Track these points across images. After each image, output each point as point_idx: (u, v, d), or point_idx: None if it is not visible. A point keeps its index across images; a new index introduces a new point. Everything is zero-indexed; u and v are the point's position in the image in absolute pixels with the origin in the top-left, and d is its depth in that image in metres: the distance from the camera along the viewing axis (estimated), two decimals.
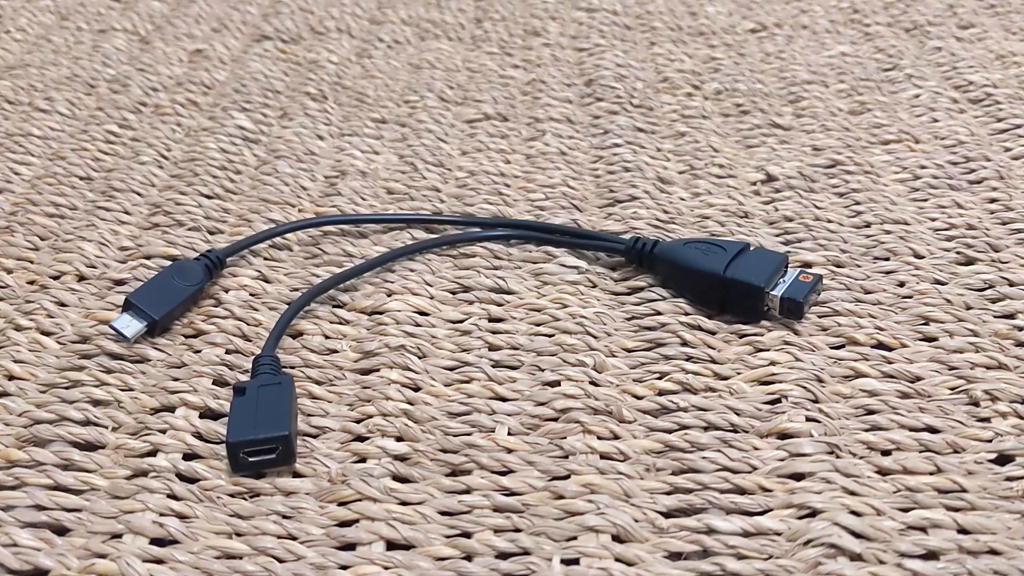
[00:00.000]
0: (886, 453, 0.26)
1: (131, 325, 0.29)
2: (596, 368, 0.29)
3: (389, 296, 0.31)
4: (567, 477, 0.25)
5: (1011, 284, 0.31)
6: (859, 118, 0.42)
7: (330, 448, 0.26)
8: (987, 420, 0.27)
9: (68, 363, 0.29)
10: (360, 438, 0.27)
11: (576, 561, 0.23)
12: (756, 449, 0.26)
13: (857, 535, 0.23)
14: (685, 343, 0.29)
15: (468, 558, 0.23)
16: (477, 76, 0.46)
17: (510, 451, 0.26)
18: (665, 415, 0.27)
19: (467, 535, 0.24)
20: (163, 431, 0.26)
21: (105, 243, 0.34)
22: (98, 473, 0.25)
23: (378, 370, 0.29)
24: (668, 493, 0.25)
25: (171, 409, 0.27)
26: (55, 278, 0.33)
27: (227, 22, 0.51)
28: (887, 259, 0.33)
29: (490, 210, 0.36)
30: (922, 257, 0.33)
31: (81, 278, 0.33)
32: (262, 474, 0.25)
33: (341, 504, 0.25)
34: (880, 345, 0.29)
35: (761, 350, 0.29)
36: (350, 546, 0.24)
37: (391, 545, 0.24)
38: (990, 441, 0.26)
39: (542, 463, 0.26)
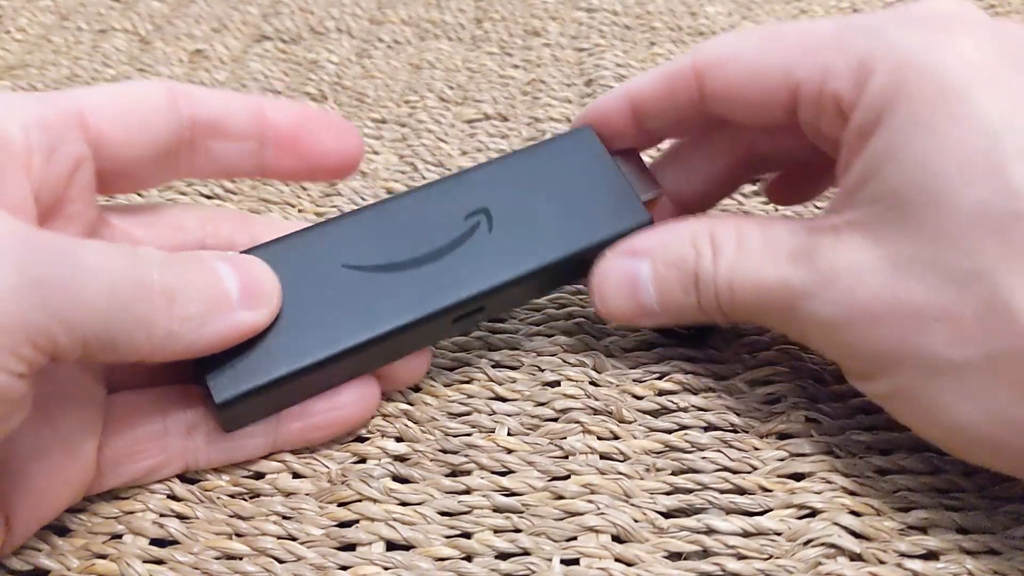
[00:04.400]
0: (885, 453, 0.26)
1: None
2: (596, 368, 0.29)
3: None
4: (567, 477, 0.25)
5: None
6: None
7: (330, 448, 0.26)
8: None
9: None
10: (360, 438, 0.27)
11: (576, 561, 0.23)
12: (756, 449, 0.26)
13: (857, 535, 0.23)
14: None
15: (468, 558, 0.23)
16: (477, 76, 0.46)
17: (510, 451, 0.26)
18: (665, 415, 0.27)
19: (467, 535, 0.24)
20: None
21: None
22: None
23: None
24: (668, 493, 0.25)
25: None
26: None
27: (227, 22, 0.51)
28: None
29: None
30: None
31: None
32: (261, 475, 0.25)
33: (341, 505, 0.25)
34: None
35: (760, 350, 0.29)
36: (350, 546, 0.24)
37: (391, 545, 0.24)
38: None
39: (542, 463, 0.26)
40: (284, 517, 0.24)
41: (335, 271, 0.24)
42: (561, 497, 0.25)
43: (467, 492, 0.25)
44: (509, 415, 0.27)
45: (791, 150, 0.27)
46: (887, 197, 0.20)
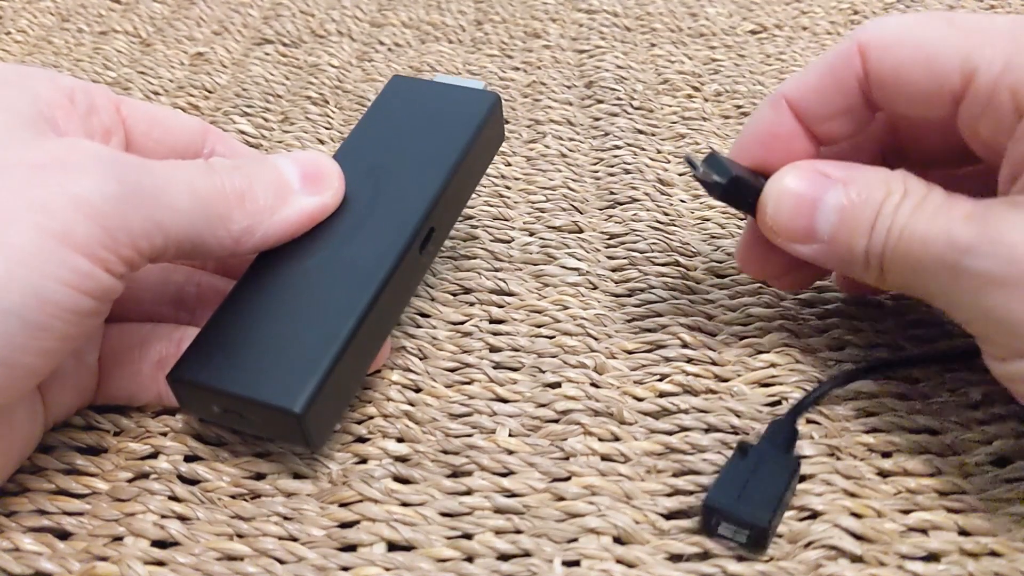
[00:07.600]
0: (886, 455, 0.26)
1: None
2: (597, 370, 0.29)
3: None
4: (568, 479, 0.25)
5: None
6: None
7: (331, 449, 0.26)
8: (987, 422, 0.27)
9: None
10: (361, 439, 0.27)
11: (577, 563, 0.23)
12: None
13: (858, 537, 0.23)
14: (685, 344, 0.30)
15: (469, 559, 0.23)
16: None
17: (511, 452, 0.26)
18: (666, 417, 0.27)
19: (468, 536, 0.24)
20: (164, 434, 0.26)
21: None
22: (100, 477, 0.25)
23: (379, 371, 0.29)
24: (669, 495, 0.25)
25: (172, 412, 0.27)
26: None
27: (228, 25, 0.51)
28: None
29: (490, 212, 0.36)
30: None
31: None
32: (262, 475, 0.25)
33: (342, 505, 0.25)
34: (879, 347, 0.29)
35: (761, 352, 0.29)
36: (351, 547, 0.24)
37: (392, 546, 0.24)
38: (990, 443, 0.26)
39: (543, 464, 0.26)
40: (285, 518, 0.24)
41: (300, 263, 0.25)
42: (562, 498, 0.25)
43: (468, 493, 0.25)
44: (510, 416, 0.27)
45: (934, 151, 0.28)
46: None
